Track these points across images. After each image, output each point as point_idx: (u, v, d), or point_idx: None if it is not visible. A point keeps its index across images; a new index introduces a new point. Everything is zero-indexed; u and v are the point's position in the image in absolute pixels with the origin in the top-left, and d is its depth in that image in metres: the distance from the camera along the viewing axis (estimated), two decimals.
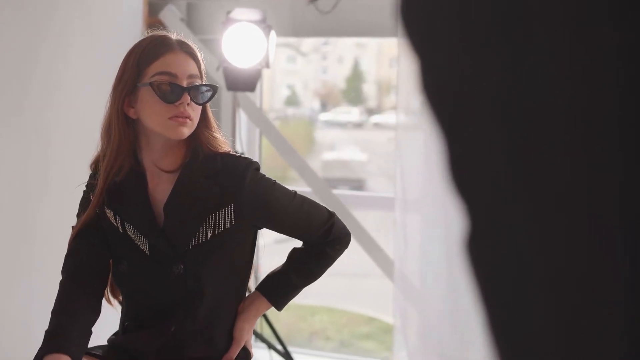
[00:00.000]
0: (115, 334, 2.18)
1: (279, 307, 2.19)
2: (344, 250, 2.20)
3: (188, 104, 1.98)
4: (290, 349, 4.30)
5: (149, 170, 2.06)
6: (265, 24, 3.29)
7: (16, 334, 3.34)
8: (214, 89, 2.05)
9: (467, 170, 0.52)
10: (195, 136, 2.04)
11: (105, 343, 2.17)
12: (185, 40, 2.07)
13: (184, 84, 1.99)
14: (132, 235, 2.06)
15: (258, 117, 3.95)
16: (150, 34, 2.07)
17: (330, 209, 2.19)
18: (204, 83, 2.05)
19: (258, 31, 3.29)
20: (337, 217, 2.19)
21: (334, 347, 6.17)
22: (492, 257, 0.52)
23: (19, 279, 3.42)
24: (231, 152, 2.10)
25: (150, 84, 1.97)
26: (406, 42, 0.54)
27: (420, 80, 0.54)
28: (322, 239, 2.14)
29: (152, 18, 3.94)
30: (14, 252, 3.40)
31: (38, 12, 3.39)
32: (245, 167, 2.04)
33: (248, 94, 3.72)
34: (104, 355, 2.10)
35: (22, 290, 3.41)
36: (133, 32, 3.75)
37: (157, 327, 2.06)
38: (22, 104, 3.38)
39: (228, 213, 2.03)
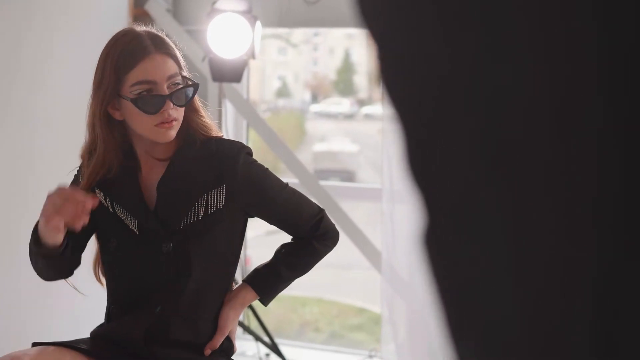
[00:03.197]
0: (99, 326, 2.17)
1: (265, 299, 2.19)
2: (332, 247, 2.22)
3: (172, 108, 2.00)
4: (280, 340, 4.30)
5: (143, 158, 2.09)
6: (250, 15, 3.28)
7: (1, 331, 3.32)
8: (195, 86, 2.06)
9: (424, 163, 0.51)
10: (187, 123, 2.07)
11: (88, 336, 2.17)
12: (159, 34, 2.05)
13: (165, 87, 1.99)
14: (121, 216, 2.08)
15: (245, 108, 3.94)
16: (122, 35, 2.04)
17: (320, 206, 2.22)
18: (184, 83, 2.04)
19: (243, 22, 3.27)
20: (327, 214, 2.22)
21: (325, 338, 6.18)
22: (449, 254, 0.51)
23: (4, 276, 3.41)
24: (223, 137, 2.14)
25: (132, 100, 1.97)
26: (364, 30, 0.53)
27: (378, 68, 0.53)
28: (310, 232, 2.16)
29: (138, 9, 3.91)
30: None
31: (21, 5, 3.37)
32: (238, 150, 2.07)
33: (234, 85, 3.71)
34: (88, 349, 2.09)
35: (6, 289, 3.40)
36: (118, 24, 3.72)
37: (143, 307, 2.07)
38: (7, 98, 3.36)
39: (220, 193, 2.05)
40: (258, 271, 2.19)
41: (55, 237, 1.95)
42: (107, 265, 2.14)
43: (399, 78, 0.52)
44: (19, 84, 3.40)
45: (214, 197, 2.05)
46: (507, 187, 0.47)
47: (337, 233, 2.22)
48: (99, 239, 2.15)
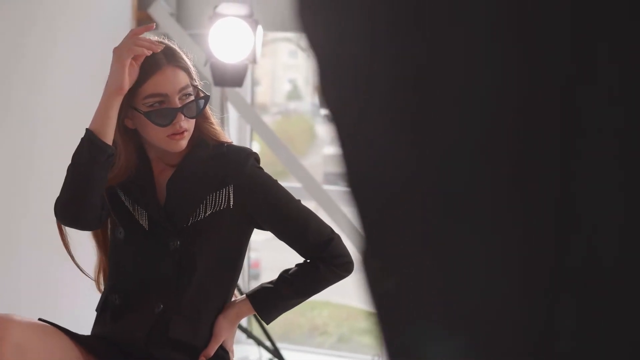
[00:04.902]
0: (99, 323, 2.19)
1: (263, 316, 2.19)
2: (342, 275, 2.16)
3: (183, 120, 2.04)
4: (287, 345, 4.30)
5: (155, 163, 2.15)
6: (252, 19, 3.28)
7: None
8: (205, 98, 2.10)
9: (359, 180, 0.50)
10: (197, 130, 2.11)
11: (89, 334, 2.19)
12: (170, 45, 2.10)
13: (176, 100, 2.04)
14: (133, 211, 2.12)
15: (248, 112, 3.94)
16: None
17: (335, 231, 2.18)
18: (195, 93, 2.09)
19: (245, 26, 3.28)
20: (342, 240, 2.17)
21: (333, 342, 6.18)
22: (383, 275, 0.50)
23: (5, 278, 3.42)
24: (233, 143, 2.20)
25: (144, 113, 2.03)
26: (302, 35, 0.52)
27: (317, 78, 0.52)
28: (317, 251, 2.13)
29: (142, 12, 3.92)
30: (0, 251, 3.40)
31: (23, 7, 3.38)
32: (247, 155, 2.13)
33: (238, 89, 3.71)
34: (86, 343, 2.11)
35: (7, 289, 3.40)
36: (122, 27, 3.73)
37: (144, 305, 2.10)
38: (8, 99, 3.37)
39: (226, 193, 2.10)
40: (261, 287, 2.19)
41: (122, 85, 1.98)
42: (112, 254, 2.18)
43: (333, 81, 0.51)
44: (20, 85, 3.41)
45: (220, 196, 2.10)
46: (435, 209, 0.46)
47: (350, 262, 2.16)
48: (109, 227, 2.19)
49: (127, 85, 1.99)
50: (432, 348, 0.47)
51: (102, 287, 2.23)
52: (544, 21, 0.43)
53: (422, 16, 0.46)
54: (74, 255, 2.21)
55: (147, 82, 2.03)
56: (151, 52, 2.00)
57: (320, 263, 2.13)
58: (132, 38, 2.00)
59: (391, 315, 0.49)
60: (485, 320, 0.46)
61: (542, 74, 0.43)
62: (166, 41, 2.11)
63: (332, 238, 2.14)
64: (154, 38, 2.09)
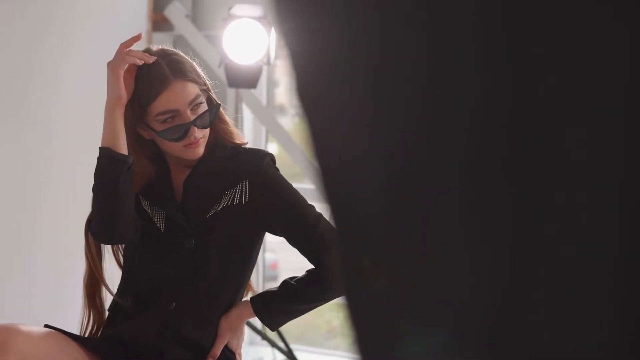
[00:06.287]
0: (110, 324, 2.19)
1: (263, 319, 2.18)
2: (331, 287, 2.10)
3: (197, 131, 2.06)
4: (303, 347, 4.30)
5: (173, 167, 2.17)
6: (266, 20, 3.28)
7: None
8: (216, 107, 2.11)
9: (331, 178, 0.50)
10: (213, 132, 2.13)
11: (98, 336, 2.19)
12: (175, 57, 2.09)
13: (188, 112, 2.05)
14: (150, 213, 2.14)
15: (263, 113, 3.94)
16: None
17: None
18: (206, 97, 2.10)
19: (259, 27, 3.28)
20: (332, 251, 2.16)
21: (349, 344, 6.16)
22: (378, 275, 0.50)
23: (17, 279, 3.43)
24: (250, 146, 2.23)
25: (158, 132, 2.05)
26: (279, 37, 0.53)
27: (292, 77, 0.52)
28: (320, 257, 2.11)
29: (157, 14, 3.93)
30: (13, 251, 3.41)
31: (39, 8, 3.40)
32: (263, 155, 2.16)
33: (253, 90, 3.71)
34: (100, 349, 2.11)
35: (19, 293, 3.42)
36: (137, 29, 3.74)
37: (157, 304, 2.11)
38: (23, 102, 3.39)
39: (242, 189, 2.11)
40: (265, 291, 2.20)
41: (120, 98, 2.00)
42: (127, 256, 2.19)
43: (305, 78, 0.51)
44: (35, 86, 3.43)
45: (235, 193, 2.11)
46: (436, 193, 0.46)
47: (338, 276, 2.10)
48: None
49: (124, 95, 2.01)
50: (425, 347, 0.47)
51: (88, 333, 2.20)
52: (543, 21, 0.43)
53: (415, 13, 0.46)
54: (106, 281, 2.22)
55: (157, 99, 2.04)
56: (143, 62, 2.03)
57: (319, 270, 2.11)
58: (122, 52, 2.03)
59: (386, 314, 0.49)
60: (481, 320, 0.46)
61: (541, 74, 0.43)
62: (171, 50, 2.12)
63: (331, 245, 2.10)
64: (160, 47, 2.10)
